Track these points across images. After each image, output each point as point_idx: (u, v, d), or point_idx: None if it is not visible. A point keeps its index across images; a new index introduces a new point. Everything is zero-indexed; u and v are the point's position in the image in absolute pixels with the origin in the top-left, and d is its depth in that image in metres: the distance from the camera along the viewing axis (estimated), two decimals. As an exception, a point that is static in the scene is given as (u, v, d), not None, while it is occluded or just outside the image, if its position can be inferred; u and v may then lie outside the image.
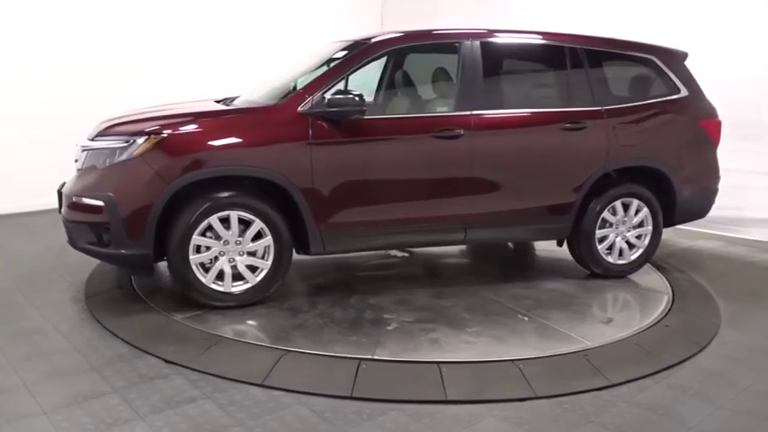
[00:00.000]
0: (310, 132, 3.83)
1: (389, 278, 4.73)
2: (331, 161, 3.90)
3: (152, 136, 3.70)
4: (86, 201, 3.79)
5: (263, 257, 3.90)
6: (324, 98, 3.83)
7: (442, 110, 4.39)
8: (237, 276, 3.88)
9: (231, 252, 3.83)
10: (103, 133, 3.93)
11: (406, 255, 5.26)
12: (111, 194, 3.68)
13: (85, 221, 3.82)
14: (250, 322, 3.72)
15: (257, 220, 3.81)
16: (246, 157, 3.80)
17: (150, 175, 3.65)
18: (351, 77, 4.03)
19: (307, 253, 4.05)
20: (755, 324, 4.08)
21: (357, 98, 3.79)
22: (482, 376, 3.17)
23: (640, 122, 4.53)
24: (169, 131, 3.75)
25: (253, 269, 3.89)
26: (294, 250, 4.03)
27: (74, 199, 3.86)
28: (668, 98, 4.65)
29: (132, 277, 4.42)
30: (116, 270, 4.59)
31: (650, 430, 2.80)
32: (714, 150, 4.80)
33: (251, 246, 3.85)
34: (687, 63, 4.80)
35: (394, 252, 5.27)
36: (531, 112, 4.38)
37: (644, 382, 3.21)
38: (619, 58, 4.65)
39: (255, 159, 3.79)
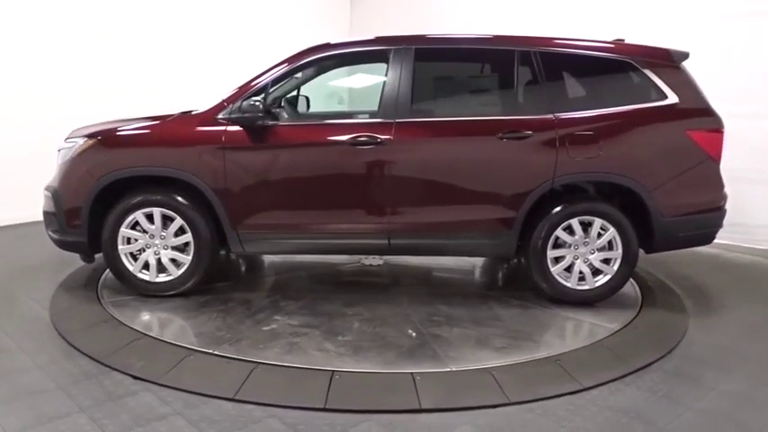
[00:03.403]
0: (224, 138, 4.06)
1: (366, 286, 4.72)
2: (243, 165, 4.11)
3: (88, 138, 4.19)
4: (45, 193, 4.38)
5: (184, 253, 4.22)
6: (241, 106, 4.07)
7: (362, 117, 4.42)
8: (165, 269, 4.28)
9: (156, 245, 4.20)
10: (69, 136, 4.42)
11: (381, 263, 5.26)
12: (57, 187, 4.24)
13: (46, 210, 4.37)
14: (220, 334, 3.67)
15: (177, 218, 4.16)
16: (161, 159, 4.13)
17: (82, 173, 4.16)
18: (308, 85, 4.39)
19: (229, 251, 4.42)
20: (722, 325, 4.16)
21: (258, 104, 3.99)
22: (456, 384, 3.17)
23: (604, 133, 4.06)
24: (101, 136, 4.20)
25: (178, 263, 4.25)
26: (217, 249, 4.34)
27: (43, 192, 4.40)
28: (646, 105, 4.14)
29: (99, 292, 4.36)
30: (82, 286, 4.53)
31: (621, 433, 2.83)
32: (711, 166, 4.16)
33: (173, 241, 4.20)
34: (685, 65, 4.28)
35: (369, 261, 5.27)
36: (461, 121, 4.18)
37: (614, 385, 3.24)
38: (584, 62, 4.23)
39: (169, 161, 4.12)
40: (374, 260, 5.28)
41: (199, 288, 4.32)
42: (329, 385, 3.09)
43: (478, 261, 5.49)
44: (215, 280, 4.65)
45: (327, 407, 2.93)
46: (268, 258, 5.43)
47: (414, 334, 3.74)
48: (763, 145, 5.68)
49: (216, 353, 3.41)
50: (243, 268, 5.29)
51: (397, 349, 3.53)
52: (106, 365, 3.30)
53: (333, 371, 3.22)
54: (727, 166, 4.25)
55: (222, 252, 4.89)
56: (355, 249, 4.51)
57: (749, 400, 3.14)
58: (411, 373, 3.23)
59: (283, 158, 4.13)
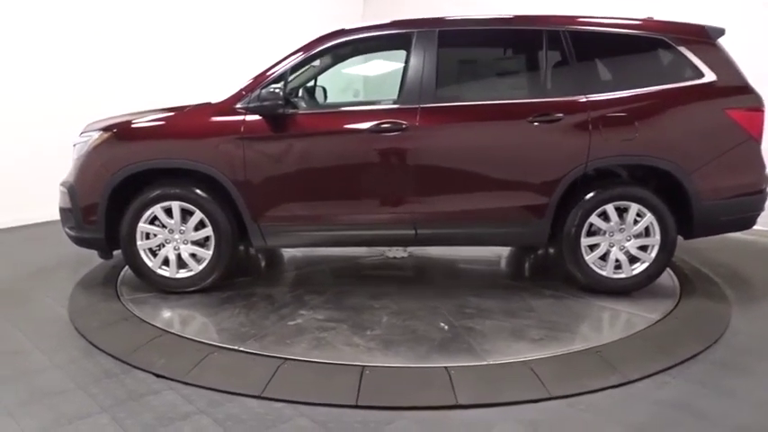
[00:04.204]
0: (243, 127, 3.92)
1: (391, 279, 4.57)
2: (263, 156, 3.96)
3: (104, 132, 4.07)
4: (61, 188, 4.25)
5: (204, 247, 4.09)
6: (260, 94, 3.92)
7: (386, 103, 4.23)
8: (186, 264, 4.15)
9: (176, 240, 4.07)
10: (84, 130, 4.28)
11: (405, 256, 5.10)
12: (72, 183, 4.12)
13: (63, 207, 4.23)
14: (244, 330, 3.53)
15: (197, 211, 4.02)
16: (179, 151, 4.00)
17: (98, 167, 4.04)
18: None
19: (249, 246, 4.27)
20: (765, 312, 3.96)
21: (278, 91, 3.84)
22: (493, 378, 3.00)
23: (640, 113, 3.88)
24: (117, 128, 4.08)
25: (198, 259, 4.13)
26: (238, 243, 4.19)
27: (59, 187, 4.26)
28: (682, 84, 3.94)
29: (118, 289, 4.25)
30: (101, 283, 4.42)
31: (673, 428, 2.65)
32: (753, 146, 3.96)
33: (193, 235, 4.07)
34: (722, 42, 4.08)
35: (393, 253, 5.12)
36: (489, 105, 4.00)
37: (660, 378, 3.06)
38: (616, 40, 4.04)
39: (187, 153, 3.98)
40: (398, 252, 5.12)
41: (220, 284, 4.20)
42: (360, 381, 2.94)
43: (504, 251, 5.31)
44: (236, 275, 4.52)
45: (359, 404, 2.78)
46: (288, 253, 5.29)
47: (445, 327, 3.58)
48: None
49: (241, 349, 3.28)
50: (263, 263, 5.15)
51: (428, 343, 3.37)
52: (127, 363, 3.18)
53: (363, 366, 3.07)
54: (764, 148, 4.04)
55: (241, 247, 4.79)
56: (381, 240, 4.36)
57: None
58: (445, 367, 3.07)
59: (305, 148, 3.98)
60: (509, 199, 3.99)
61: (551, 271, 4.78)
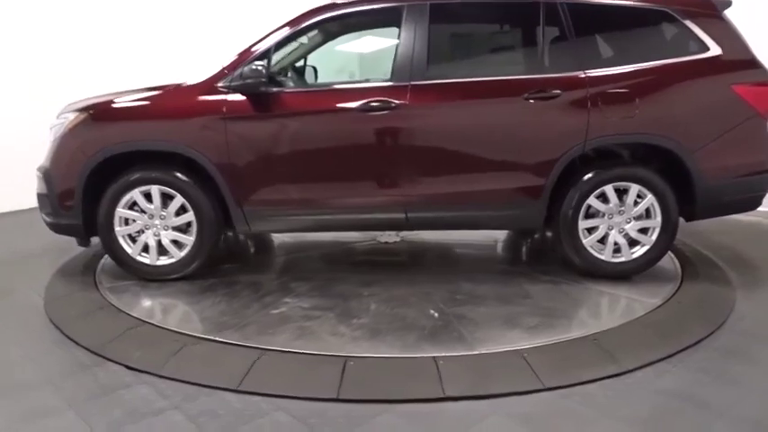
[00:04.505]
0: (225, 107, 3.73)
1: (382, 265, 4.42)
2: (246, 137, 3.78)
3: (80, 113, 3.89)
4: (37, 173, 4.07)
5: (186, 233, 3.92)
6: (242, 72, 3.72)
7: (375, 81, 4.04)
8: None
9: (156, 226, 3.90)
10: (61, 112, 4.11)
11: (397, 240, 4.94)
12: (48, 167, 3.95)
13: (39, 193, 4.06)
14: (224, 319, 3.38)
15: (178, 196, 3.84)
16: (158, 132, 3.82)
17: (74, 149, 3.85)
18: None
19: (235, 231, 4.10)
20: (772, 296, 3.80)
21: (261, 68, 3.65)
22: (483, 368, 2.84)
23: (641, 90, 3.69)
24: (94, 109, 3.90)
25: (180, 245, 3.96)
26: (222, 228, 4.02)
27: (36, 172, 4.08)
28: (686, 59, 3.75)
29: (97, 278, 4.09)
30: (80, 272, 4.27)
31: (675, 421, 2.49)
32: (759, 124, 3.76)
33: (174, 220, 3.89)
34: (727, 14, 3.88)
35: (385, 238, 4.96)
36: (483, 81, 3.79)
37: (661, 366, 2.90)
38: (616, 13, 3.85)
39: (167, 134, 3.80)
40: (390, 237, 4.96)
41: (203, 271, 4.04)
42: (343, 373, 2.79)
43: (500, 235, 5.14)
44: (221, 262, 4.37)
45: (341, 397, 2.63)
46: (278, 238, 5.13)
47: (436, 314, 3.42)
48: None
49: (219, 339, 3.12)
50: (252, 249, 5.00)
51: (417, 331, 3.21)
52: (101, 356, 3.03)
53: (347, 357, 2.92)
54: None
55: (230, 233, 4.65)
56: (371, 225, 4.19)
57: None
58: (434, 357, 2.91)
59: (290, 128, 3.81)
60: (503, 180, 3.81)
61: (549, 255, 4.61)
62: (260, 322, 3.33)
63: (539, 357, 2.92)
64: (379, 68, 4.60)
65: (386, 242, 4.89)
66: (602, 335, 3.16)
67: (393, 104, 3.71)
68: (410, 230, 4.80)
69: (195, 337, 3.16)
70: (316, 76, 5.00)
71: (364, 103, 3.73)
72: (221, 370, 2.84)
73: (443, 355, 2.93)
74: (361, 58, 7.85)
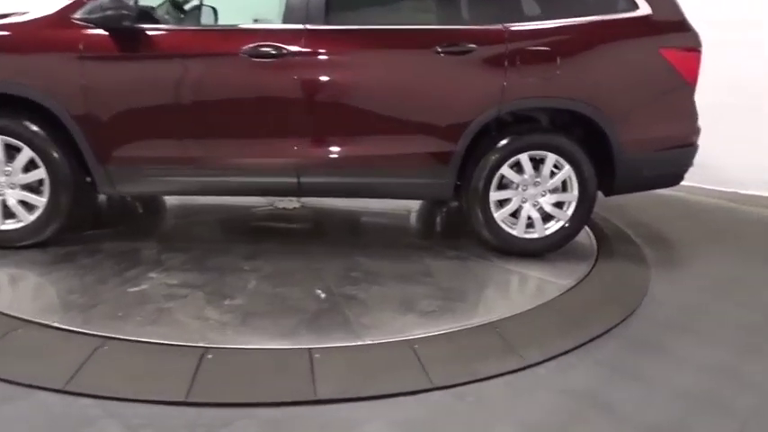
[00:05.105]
0: (82, 45, 3.13)
1: (276, 234, 3.95)
2: (108, 81, 3.21)
3: None
4: None
5: (38, 193, 3.32)
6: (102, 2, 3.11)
7: (265, 23, 3.55)
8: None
9: (0, 184, 3.29)
10: None
11: (297, 206, 4.46)
12: None
13: None
14: (71, 297, 2.84)
15: (26, 148, 3.22)
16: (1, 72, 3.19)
17: None
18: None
19: (98, 192, 3.51)
20: (690, 279, 3.57)
21: None
22: (366, 364, 2.45)
23: (564, 49, 3.32)
24: None
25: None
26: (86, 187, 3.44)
27: None
28: (614, 17, 3.40)
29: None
30: None
31: (572, 426, 2.18)
32: (686, 93, 3.47)
33: (22, 177, 3.28)
34: None
35: (284, 203, 4.47)
36: (390, 30, 3.36)
37: (567, 360, 2.59)
38: None
39: (9, 74, 3.18)
40: (290, 203, 4.47)
41: (66, 237, 3.46)
42: (197, 369, 2.33)
43: (415, 204, 4.74)
44: (97, 227, 3.78)
45: (190, 400, 2.18)
46: (172, 200, 4.54)
47: (323, 294, 3.00)
48: (735, 75, 5.03)
49: (54, 325, 2.58)
50: (140, 211, 4.43)
51: (298, 315, 2.78)
52: None
53: (205, 348, 2.45)
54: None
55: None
56: (260, 190, 3.67)
57: (733, 375, 2.54)
58: (309, 349, 2.49)
59: (160, 73, 3.25)
60: (407, 144, 3.38)
61: (462, 228, 4.24)
62: (112, 302, 2.81)
63: (431, 349, 2.55)
64: (271, 7, 4.02)
65: (284, 208, 4.41)
66: (506, 322, 2.82)
67: (285, 51, 3.20)
68: (305, 197, 4.34)
69: (24, 320, 2.60)
70: (216, 18, 4.38)
71: (251, 48, 3.20)
72: (48, 364, 2.33)
73: (321, 346, 2.51)
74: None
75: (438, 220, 4.64)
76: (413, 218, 4.58)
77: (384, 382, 2.32)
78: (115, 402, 2.16)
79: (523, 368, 2.49)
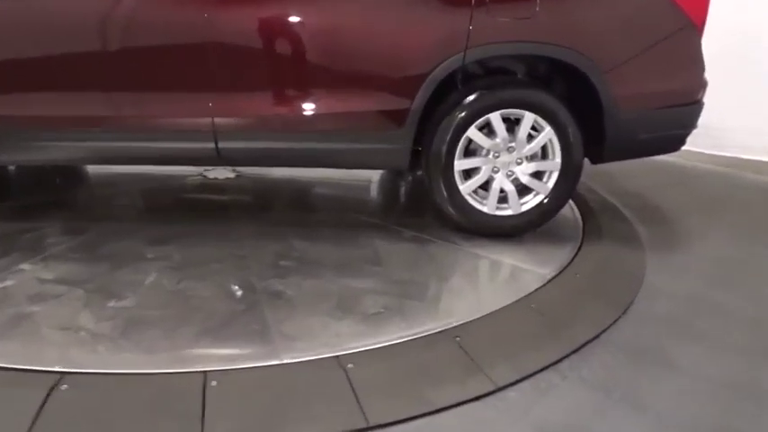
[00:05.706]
0: None
1: (200, 210, 3.30)
2: None
3: None
4: None
5: None
6: None
7: None
8: None
9: None
10: None
11: (231, 177, 3.80)
12: None
13: None
14: None
15: None
16: None
17: None
18: None
19: None
20: (692, 263, 2.99)
21: None
22: (278, 395, 1.83)
23: None
24: None
25: None
26: None
27: None
28: None
29: None
30: None
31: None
32: (692, 37, 2.86)
33: None
34: None
35: (214, 173, 3.80)
36: None
37: (545, 379, 2.00)
38: None
39: None
40: (223, 171, 3.79)
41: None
42: (42, 406, 1.69)
43: (375, 174, 4.09)
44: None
45: (21, 454, 1.56)
46: (98, 169, 3.85)
47: (239, 292, 2.37)
48: (741, 29, 4.40)
49: None
50: (57, 182, 3.76)
51: (202, 322, 2.15)
52: None
53: (62, 373, 1.82)
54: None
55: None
56: (166, 158, 2.94)
57: (750, 394, 1.97)
58: (205, 372, 1.86)
59: (36, 7, 2.53)
60: (352, 100, 2.71)
61: (425, 203, 3.62)
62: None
63: (370, 370, 1.94)
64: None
65: (215, 178, 3.73)
66: (470, 327, 2.22)
67: None
68: (226, 165, 3.67)
69: None
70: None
71: None
72: None
73: (222, 368, 1.89)
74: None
75: (402, 192, 4.00)
76: (372, 188, 3.94)
77: (298, 423, 1.71)
78: None
79: (489, 393, 1.90)
